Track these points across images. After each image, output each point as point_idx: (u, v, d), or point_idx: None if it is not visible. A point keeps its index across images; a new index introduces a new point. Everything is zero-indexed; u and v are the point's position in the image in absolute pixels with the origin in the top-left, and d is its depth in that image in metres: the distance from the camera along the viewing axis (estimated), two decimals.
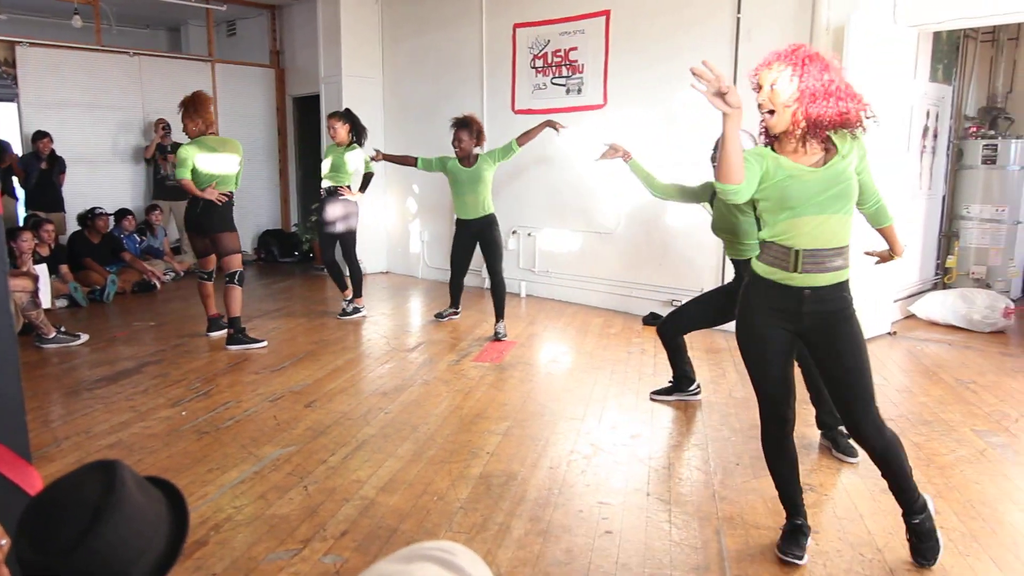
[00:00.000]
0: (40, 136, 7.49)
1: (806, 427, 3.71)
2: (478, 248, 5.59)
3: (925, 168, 6.34)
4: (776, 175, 2.27)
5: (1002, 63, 6.93)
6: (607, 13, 6.27)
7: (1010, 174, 6.63)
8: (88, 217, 7.27)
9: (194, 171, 5.08)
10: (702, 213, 5.88)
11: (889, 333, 5.60)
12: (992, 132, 6.77)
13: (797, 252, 2.28)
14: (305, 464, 3.25)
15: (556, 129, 5.45)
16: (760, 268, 2.40)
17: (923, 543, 2.42)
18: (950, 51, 6.60)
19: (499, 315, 5.53)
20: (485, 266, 5.59)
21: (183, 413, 3.90)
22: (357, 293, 6.28)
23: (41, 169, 7.49)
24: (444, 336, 5.62)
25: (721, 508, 2.86)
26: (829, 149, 2.29)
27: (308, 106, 9.35)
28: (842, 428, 3.40)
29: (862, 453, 3.31)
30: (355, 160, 6.07)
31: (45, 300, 5.65)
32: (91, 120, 8.32)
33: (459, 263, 5.75)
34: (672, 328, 3.97)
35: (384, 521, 2.74)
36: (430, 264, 8.24)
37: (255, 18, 9.82)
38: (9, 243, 5.56)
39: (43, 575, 0.86)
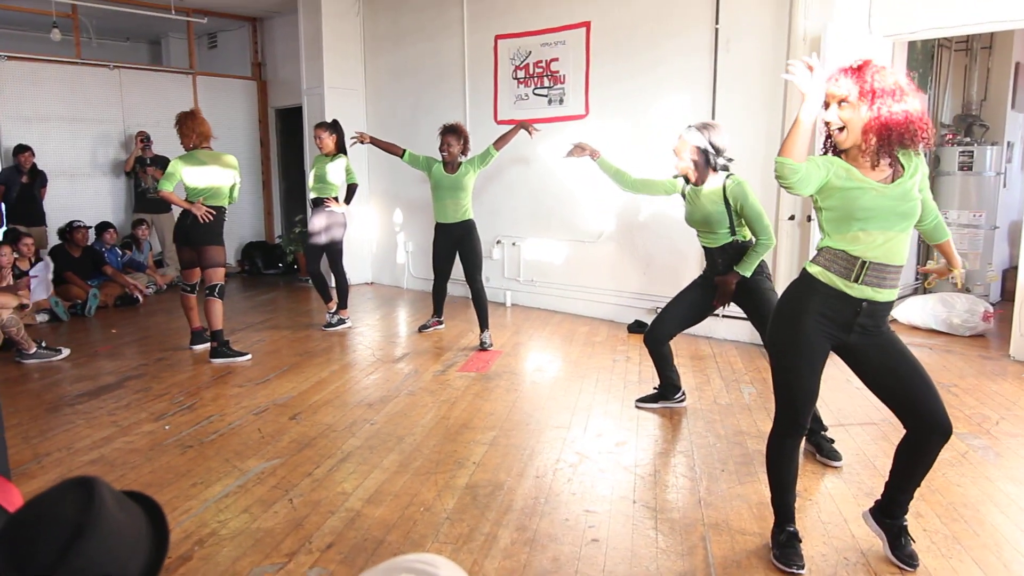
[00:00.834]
0: (21, 150, 7.43)
1: None
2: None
3: None
4: (845, 184, 2.25)
5: (976, 71, 7.05)
6: (587, 24, 6.32)
7: (986, 180, 6.73)
8: (67, 231, 7.21)
9: (185, 188, 5.16)
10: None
11: None
12: (968, 139, 6.88)
13: (864, 263, 2.27)
14: (290, 477, 3.23)
15: (530, 132, 5.51)
16: (818, 272, 2.36)
17: (907, 546, 2.46)
18: (925, 60, 6.71)
19: (483, 324, 5.54)
20: (464, 275, 5.61)
21: (166, 427, 3.86)
22: (342, 304, 6.26)
23: (22, 183, 7.42)
24: (429, 347, 5.61)
25: (707, 514, 2.87)
26: (896, 168, 2.29)
27: (291, 118, 9.34)
28: (825, 433, 3.43)
29: (846, 458, 3.35)
30: (336, 170, 6.06)
31: (45, 291, 5.69)
32: (72, 133, 8.27)
33: (441, 268, 5.77)
34: (658, 334, 3.98)
35: (370, 533, 2.73)
36: (415, 275, 8.24)
37: (236, 30, 9.81)
38: None
39: None
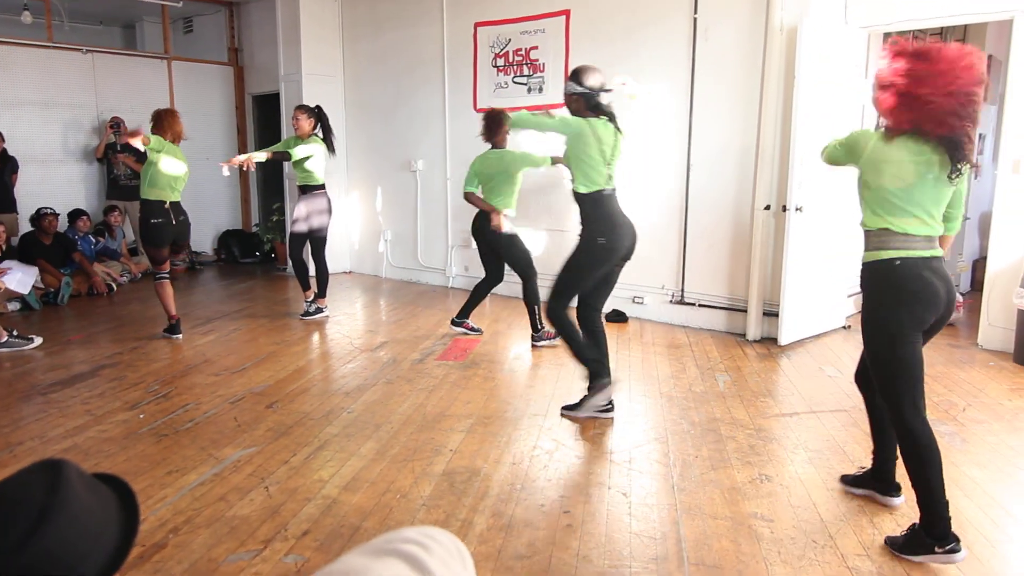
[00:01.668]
0: None
1: (762, 419, 3.80)
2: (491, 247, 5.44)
3: None
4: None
5: None
6: (567, 13, 6.32)
7: None
8: (36, 218, 7.10)
9: (156, 172, 5.20)
10: (665, 212, 5.97)
11: (844, 327, 5.75)
12: None
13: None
14: (266, 465, 3.23)
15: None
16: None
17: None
18: None
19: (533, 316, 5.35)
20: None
21: (141, 416, 3.84)
22: (321, 293, 6.22)
23: None
24: (408, 335, 5.61)
25: (680, 499, 2.91)
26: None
27: (268, 105, 9.24)
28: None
29: (816, 443, 3.40)
30: (302, 150, 5.86)
31: (24, 289, 6.04)
32: (43, 119, 8.11)
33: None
34: (563, 306, 3.97)
35: (347, 520, 2.74)
36: (394, 263, 8.21)
37: (212, 15, 9.67)
38: None
39: None
